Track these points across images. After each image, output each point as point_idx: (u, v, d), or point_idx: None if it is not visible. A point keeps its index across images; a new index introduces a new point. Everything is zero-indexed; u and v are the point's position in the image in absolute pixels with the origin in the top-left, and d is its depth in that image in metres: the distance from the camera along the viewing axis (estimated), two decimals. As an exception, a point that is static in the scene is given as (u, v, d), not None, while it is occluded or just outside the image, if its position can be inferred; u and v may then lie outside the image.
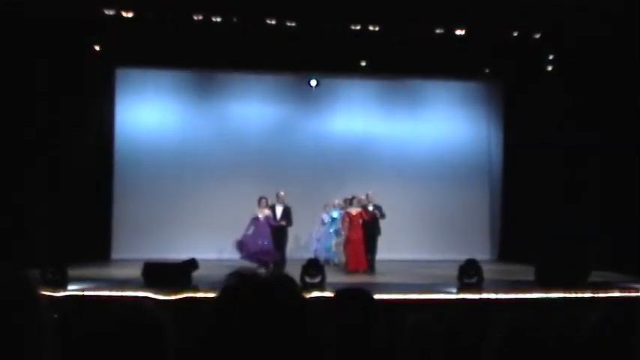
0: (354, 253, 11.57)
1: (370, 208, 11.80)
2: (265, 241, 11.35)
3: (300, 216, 12.05)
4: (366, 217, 11.70)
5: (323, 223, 12.87)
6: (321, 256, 11.97)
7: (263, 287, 1.19)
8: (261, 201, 11.58)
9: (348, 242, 11.67)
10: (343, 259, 11.94)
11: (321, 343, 1.19)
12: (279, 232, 11.59)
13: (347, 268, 11.55)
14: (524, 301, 8.62)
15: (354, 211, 11.76)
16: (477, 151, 14.84)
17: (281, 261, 11.42)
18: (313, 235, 13.00)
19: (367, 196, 11.92)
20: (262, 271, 1.31)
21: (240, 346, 1.14)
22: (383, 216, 11.86)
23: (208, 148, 13.92)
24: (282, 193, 11.87)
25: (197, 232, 13.54)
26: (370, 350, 2.50)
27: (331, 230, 12.66)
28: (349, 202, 12.02)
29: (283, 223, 11.63)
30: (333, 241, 12.59)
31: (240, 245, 11.42)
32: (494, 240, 14.65)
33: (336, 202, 12.71)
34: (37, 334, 1.28)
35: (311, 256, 11.72)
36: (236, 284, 1.21)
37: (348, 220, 11.75)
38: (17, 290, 1.30)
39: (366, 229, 11.73)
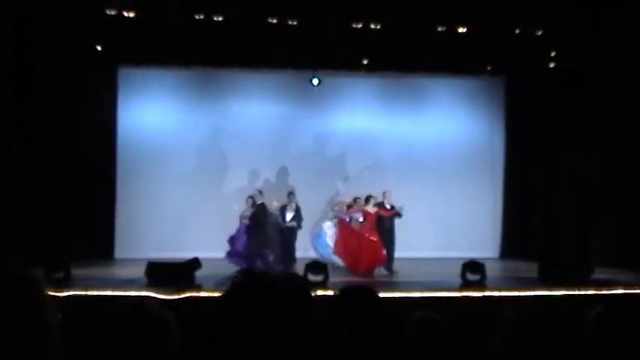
0: (372, 254, 11.17)
1: (388, 206, 11.61)
2: (242, 244, 11.36)
3: (303, 214, 12.02)
4: (386, 215, 11.42)
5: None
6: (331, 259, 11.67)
7: (272, 285, 1.19)
8: (247, 200, 11.60)
9: (362, 243, 11.24)
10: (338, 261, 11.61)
11: (328, 341, 1.19)
12: (289, 231, 11.58)
13: (358, 270, 11.10)
14: (527, 299, 8.61)
15: (372, 210, 11.45)
16: (480, 148, 14.82)
17: (289, 261, 11.40)
18: (315, 231, 12.64)
19: (384, 194, 11.60)
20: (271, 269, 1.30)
21: (246, 343, 1.13)
22: (400, 214, 11.59)
23: (211, 146, 13.93)
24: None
25: (200, 231, 13.54)
26: (375, 348, 2.50)
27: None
28: (365, 200, 11.60)
29: (294, 223, 11.62)
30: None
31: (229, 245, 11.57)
32: (497, 237, 14.63)
33: (339, 199, 12.57)
34: (44, 333, 1.28)
35: (315, 255, 11.67)
36: (244, 282, 1.20)
37: (366, 219, 11.40)
38: (26, 289, 1.30)
39: (385, 227, 11.45)
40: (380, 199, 11.55)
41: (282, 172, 14.19)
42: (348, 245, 11.46)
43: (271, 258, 11.44)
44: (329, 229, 12.22)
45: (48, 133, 12.00)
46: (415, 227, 13.80)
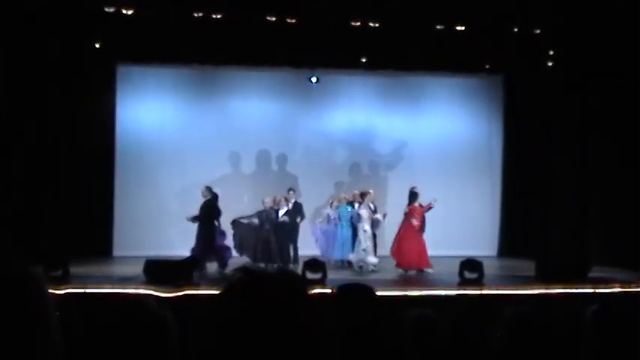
0: (420, 251, 11.05)
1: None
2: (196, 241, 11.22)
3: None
4: (426, 209, 11.28)
5: (329, 220, 12.11)
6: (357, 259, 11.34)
7: (269, 283, 1.19)
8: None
9: (413, 240, 11.04)
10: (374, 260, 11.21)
11: (325, 339, 1.19)
12: (284, 228, 11.55)
13: (405, 266, 11.01)
14: (525, 297, 8.63)
15: (419, 206, 11.17)
16: (478, 146, 14.82)
17: (285, 260, 11.37)
18: (318, 225, 12.27)
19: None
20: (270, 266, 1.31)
21: (243, 341, 1.14)
22: (431, 207, 11.44)
23: (209, 144, 13.91)
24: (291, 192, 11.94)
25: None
26: (373, 346, 2.51)
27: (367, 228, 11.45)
28: (411, 197, 11.22)
29: (286, 219, 11.54)
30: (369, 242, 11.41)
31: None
32: (495, 235, 14.64)
33: (343, 196, 12.46)
34: (43, 332, 1.29)
35: (312, 253, 11.54)
36: (242, 280, 1.20)
37: (415, 214, 11.14)
38: (26, 289, 1.31)
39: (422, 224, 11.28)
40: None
41: (281, 170, 14.20)
42: (411, 242, 11.11)
43: (226, 254, 11.16)
44: (366, 226, 11.44)
45: (47, 131, 11.98)
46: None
